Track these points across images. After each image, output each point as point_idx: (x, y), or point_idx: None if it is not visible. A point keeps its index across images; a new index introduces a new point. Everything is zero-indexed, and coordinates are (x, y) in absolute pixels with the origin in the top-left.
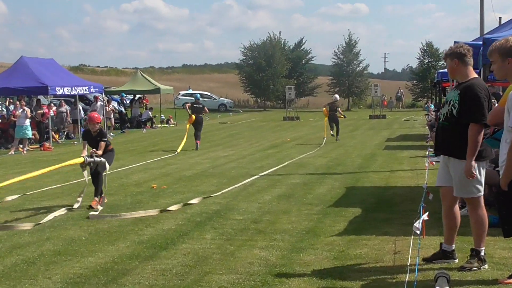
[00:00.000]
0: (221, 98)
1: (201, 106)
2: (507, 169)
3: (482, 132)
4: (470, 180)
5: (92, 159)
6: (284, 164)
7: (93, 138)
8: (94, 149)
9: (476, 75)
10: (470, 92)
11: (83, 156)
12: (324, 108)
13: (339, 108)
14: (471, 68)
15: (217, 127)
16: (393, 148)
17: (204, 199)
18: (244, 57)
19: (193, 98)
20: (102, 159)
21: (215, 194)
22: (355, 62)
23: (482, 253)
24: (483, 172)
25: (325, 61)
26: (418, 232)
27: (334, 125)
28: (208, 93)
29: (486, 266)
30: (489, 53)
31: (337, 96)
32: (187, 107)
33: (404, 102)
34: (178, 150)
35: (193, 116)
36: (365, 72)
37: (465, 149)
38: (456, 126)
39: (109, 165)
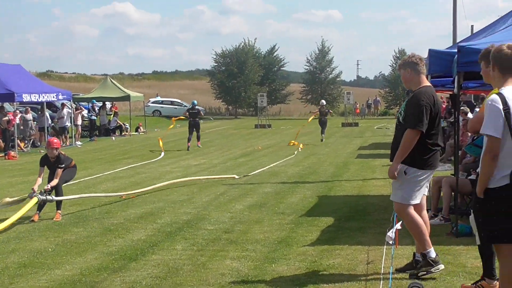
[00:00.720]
0: None
1: (196, 111)
2: (482, 177)
3: (416, 138)
4: (401, 186)
5: (44, 198)
6: (256, 172)
7: (51, 164)
8: (48, 186)
9: (428, 84)
10: (413, 99)
11: (36, 195)
12: (313, 115)
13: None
14: (423, 76)
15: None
16: (365, 156)
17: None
18: (216, 64)
19: (163, 106)
20: (54, 197)
21: (253, 173)
22: (327, 69)
23: (432, 255)
24: (422, 182)
25: (298, 68)
26: (391, 242)
27: (323, 128)
28: (179, 100)
29: (441, 266)
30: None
31: (323, 101)
32: (186, 114)
33: (379, 109)
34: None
35: (173, 120)
36: (337, 79)
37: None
38: (400, 133)
39: (68, 181)
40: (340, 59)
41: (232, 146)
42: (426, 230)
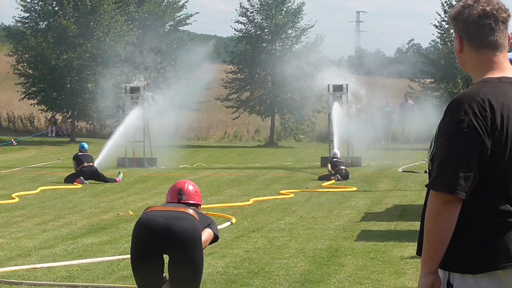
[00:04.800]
0: None
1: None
2: None
3: (451, 212)
4: None
5: None
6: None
7: None
8: None
9: (508, 73)
10: (444, 118)
11: None
12: (333, 178)
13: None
14: (497, 55)
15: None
16: (378, 236)
17: None
18: (28, 15)
19: None
20: None
21: None
22: (289, 31)
23: None
24: None
25: (220, 29)
26: None
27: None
28: None
29: None
30: None
31: (335, 151)
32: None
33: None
34: None
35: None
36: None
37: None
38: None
39: None
40: (317, 7)
41: (70, 211)
42: None
